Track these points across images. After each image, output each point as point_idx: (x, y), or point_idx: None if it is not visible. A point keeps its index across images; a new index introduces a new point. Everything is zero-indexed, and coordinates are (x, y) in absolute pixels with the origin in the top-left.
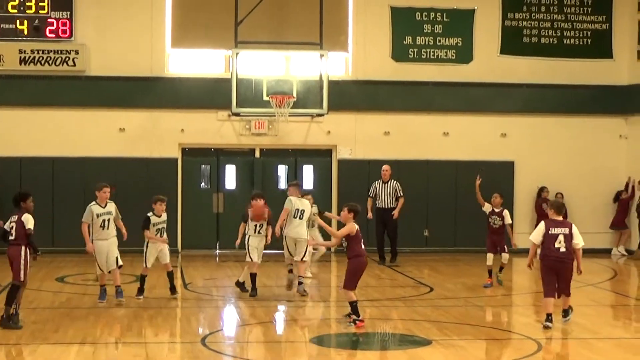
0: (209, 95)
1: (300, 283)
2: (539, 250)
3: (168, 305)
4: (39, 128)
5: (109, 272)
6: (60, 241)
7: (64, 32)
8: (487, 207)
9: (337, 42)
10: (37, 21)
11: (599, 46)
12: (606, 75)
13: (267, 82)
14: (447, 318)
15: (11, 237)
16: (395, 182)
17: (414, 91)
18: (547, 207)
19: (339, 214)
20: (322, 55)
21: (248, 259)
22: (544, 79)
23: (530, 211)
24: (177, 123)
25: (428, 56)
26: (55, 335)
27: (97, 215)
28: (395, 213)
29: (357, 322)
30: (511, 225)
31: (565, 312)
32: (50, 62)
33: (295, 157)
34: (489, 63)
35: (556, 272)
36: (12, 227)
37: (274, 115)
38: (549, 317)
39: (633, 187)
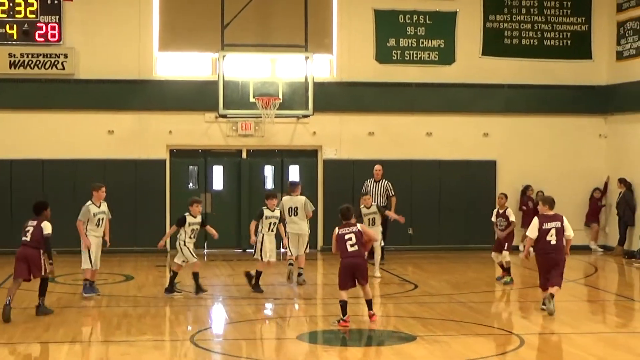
0: (196, 97)
1: (300, 274)
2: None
3: (157, 304)
4: (29, 131)
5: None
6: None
7: (53, 36)
8: (494, 216)
9: (321, 44)
10: (26, 25)
11: (579, 47)
12: (586, 75)
13: (254, 84)
14: (432, 314)
15: (25, 239)
16: (386, 181)
17: (398, 92)
18: (538, 202)
19: (324, 213)
20: (307, 58)
21: (257, 256)
22: (525, 79)
23: (513, 210)
24: (165, 125)
25: (411, 58)
26: (45, 334)
27: (94, 215)
28: (391, 214)
29: (340, 321)
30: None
31: (552, 296)
32: (39, 65)
33: (282, 157)
34: (471, 64)
35: (550, 263)
36: (29, 230)
37: (261, 117)
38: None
39: (606, 183)
